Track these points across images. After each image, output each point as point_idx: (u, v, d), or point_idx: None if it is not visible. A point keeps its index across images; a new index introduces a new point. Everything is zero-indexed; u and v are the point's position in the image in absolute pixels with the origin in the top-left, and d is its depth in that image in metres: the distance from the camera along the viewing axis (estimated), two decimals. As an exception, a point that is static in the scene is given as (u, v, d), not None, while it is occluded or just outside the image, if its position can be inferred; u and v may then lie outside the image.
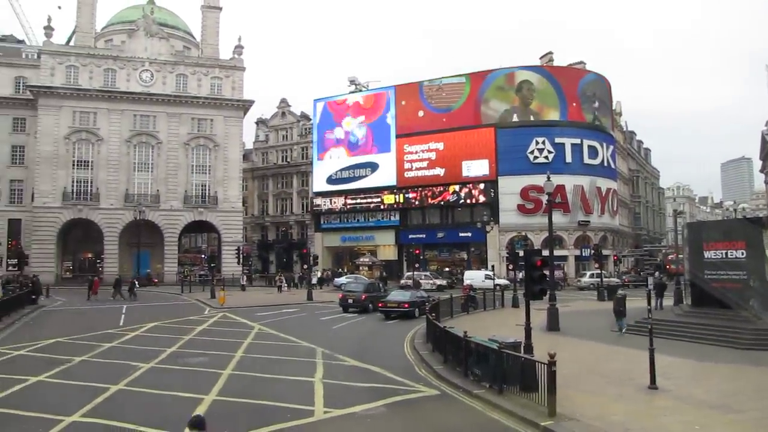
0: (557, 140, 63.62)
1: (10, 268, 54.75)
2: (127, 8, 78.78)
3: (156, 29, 68.13)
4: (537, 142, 63.21)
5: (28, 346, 22.89)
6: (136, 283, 47.69)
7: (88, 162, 64.64)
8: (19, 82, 67.21)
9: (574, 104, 65.49)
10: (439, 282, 56.50)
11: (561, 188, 58.13)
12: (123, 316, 33.51)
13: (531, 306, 18.15)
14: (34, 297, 39.94)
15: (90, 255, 68.55)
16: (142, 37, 67.38)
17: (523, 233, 62.61)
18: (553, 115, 65.01)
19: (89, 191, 64.22)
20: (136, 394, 15.38)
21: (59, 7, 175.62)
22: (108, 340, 24.00)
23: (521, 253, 24.07)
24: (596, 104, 67.69)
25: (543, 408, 12.95)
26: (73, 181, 63.90)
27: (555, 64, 70.14)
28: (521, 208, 63.11)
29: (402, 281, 55.71)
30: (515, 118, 65.35)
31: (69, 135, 63.95)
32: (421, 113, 69.94)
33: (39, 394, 15.51)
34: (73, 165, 64.17)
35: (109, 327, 28.25)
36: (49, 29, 65.17)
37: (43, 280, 48.32)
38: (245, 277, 60.63)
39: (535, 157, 63.09)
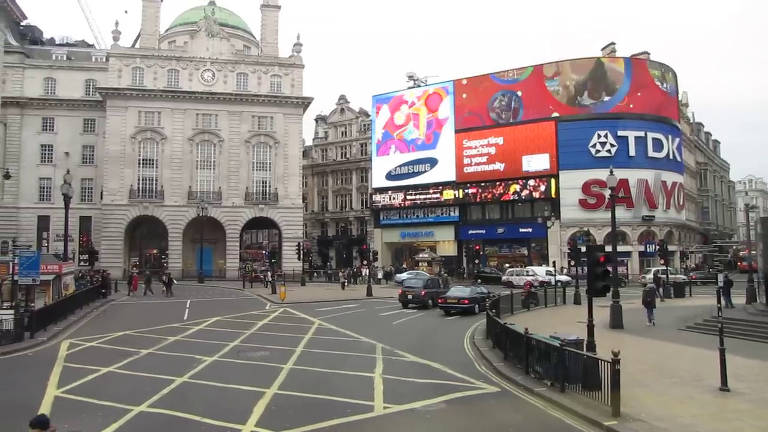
0: (620, 133, 61.97)
1: (82, 263, 56.72)
2: (189, 10, 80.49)
3: (217, 29, 69.41)
4: (599, 136, 61.73)
5: (98, 338, 23.74)
6: (174, 280, 47.56)
7: (153, 160, 66.43)
8: (89, 85, 69.57)
9: (639, 94, 63.64)
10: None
11: (624, 182, 56.65)
12: (187, 310, 34.32)
13: (594, 303, 17.73)
14: (104, 291, 41.35)
15: (155, 251, 70.45)
16: (204, 37, 68.77)
17: (585, 228, 61.33)
18: (616, 108, 63.27)
19: (154, 189, 66.00)
20: (199, 386, 15.71)
21: (126, 12, 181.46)
22: (173, 334, 24.65)
23: (583, 249, 23.62)
24: (659, 96, 65.62)
25: (606, 407, 12.66)
26: (139, 179, 65.77)
27: (617, 55, 68.25)
28: (583, 203, 61.82)
29: (505, 277, 54.13)
30: (577, 112, 63.91)
31: (135, 134, 65.85)
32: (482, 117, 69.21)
33: (109, 384, 16.05)
34: (139, 163, 66.04)
35: (173, 321, 29.02)
36: (116, 33, 67.26)
37: (111, 275, 49.92)
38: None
39: (597, 151, 61.65)
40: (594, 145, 61.64)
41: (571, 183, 61.78)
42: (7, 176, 53.13)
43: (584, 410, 12.95)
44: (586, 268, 17.88)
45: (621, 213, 54.69)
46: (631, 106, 63.13)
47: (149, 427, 12.43)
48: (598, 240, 57.68)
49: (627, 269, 59.20)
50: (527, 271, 52.62)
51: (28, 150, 67.80)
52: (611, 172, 27.65)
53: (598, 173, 56.77)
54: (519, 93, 67.18)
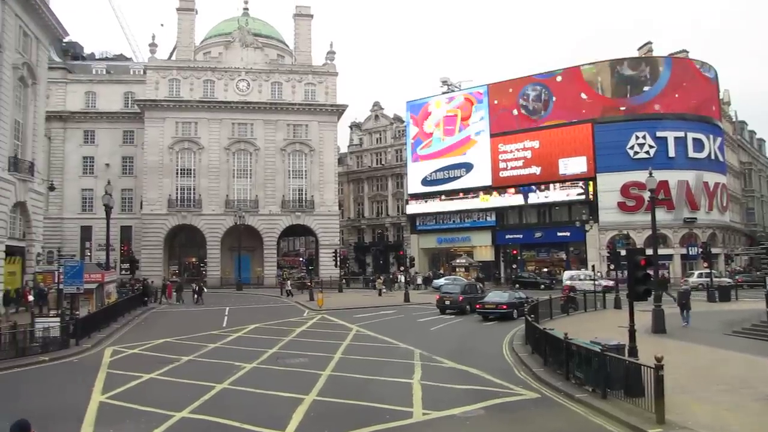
0: (659, 134, 60.84)
1: (123, 272, 57.77)
2: (223, 21, 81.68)
3: (251, 40, 70.24)
4: (637, 137, 60.70)
5: (140, 345, 24.10)
6: (204, 288, 48.02)
7: (190, 170, 67.45)
8: (128, 97, 71.04)
9: (677, 95, 62.48)
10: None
11: (664, 184, 55.62)
12: (226, 317, 34.67)
13: (635, 307, 17.37)
14: (145, 299, 42.05)
15: (194, 259, 71.44)
16: (238, 48, 69.64)
17: (625, 232, 60.25)
18: (654, 108, 62.19)
19: (192, 198, 66.97)
20: (239, 393, 15.82)
21: (162, 25, 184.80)
22: (212, 341, 24.89)
23: (623, 253, 23.26)
24: (699, 95, 64.29)
25: (650, 414, 12.35)
26: (177, 189, 66.83)
27: (655, 54, 67.12)
28: (622, 206, 60.84)
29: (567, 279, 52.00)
30: (613, 104, 62.96)
31: (172, 145, 66.96)
32: (515, 112, 68.77)
33: (151, 391, 16.28)
34: (177, 173, 67.10)
35: (213, 328, 29.32)
36: (153, 46, 68.65)
37: (154, 283, 50.80)
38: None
39: (636, 153, 60.64)
40: (632, 147, 60.65)
41: (609, 186, 60.86)
42: (51, 188, 54.43)
43: (627, 417, 12.66)
44: (626, 272, 17.53)
45: (661, 215, 53.62)
46: (670, 105, 61.92)
47: (191, 434, 12.55)
48: (638, 243, 56.61)
49: (669, 272, 58.03)
50: (586, 275, 50.70)
51: (70, 162, 69.52)
52: (650, 173, 27.12)
53: (636, 175, 55.94)
54: (548, 86, 66.77)
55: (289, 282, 53.70)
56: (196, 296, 44.99)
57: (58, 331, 22.91)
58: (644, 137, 60.61)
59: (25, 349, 21.60)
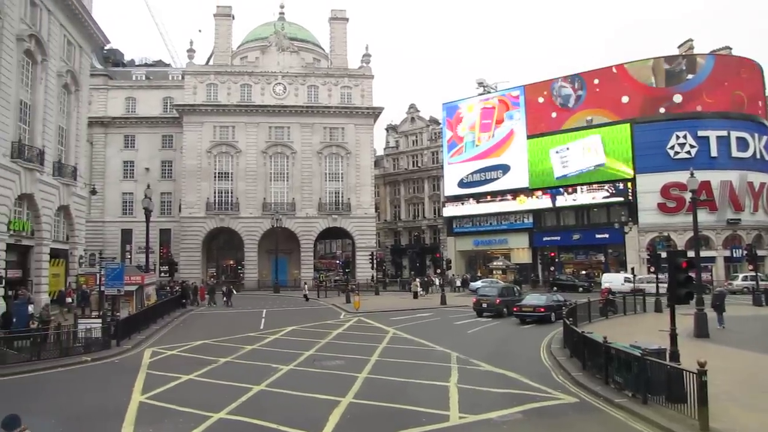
0: (700, 133, 59.49)
1: (162, 274, 58.61)
2: (259, 26, 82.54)
3: (287, 44, 70.82)
4: (677, 137, 59.47)
5: (179, 347, 24.40)
6: (234, 291, 48.20)
7: (228, 173, 68.25)
8: (167, 102, 72.29)
9: (719, 93, 61.05)
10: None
11: (706, 185, 54.43)
12: (263, 320, 34.88)
13: (676, 311, 16.98)
14: (183, 301, 42.60)
15: (232, 262, 72.24)
16: (275, 52, 70.27)
17: (665, 233, 59.12)
18: (695, 107, 60.88)
19: (230, 201, 67.73)
20: (276, 394, 15.88)
21: (200, 31, 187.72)
22: (250, 343, 25.07)
23: (664, 255, 22.82)
24: (744, 92, 62.69)
25: (693, 421, 12.05)
26: (215, 192, 67.70)
27: (695, 51, 65.71)
28: (662, 207, 59.67)
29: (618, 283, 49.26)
30: (653, 112, 61.84)
31: (210, 149, 67.83)
32: (554, 114, 68.11)
33: (190, 391, 16.45)
34: (215, 177, 67.97)
35: (250, 330, 29.52)
36: (191, 52, 69.64)
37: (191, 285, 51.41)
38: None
39: (676, 153, 59.42)
40: (672, 147, 59.44)
41: (649, 186, 59.74)
42: (93, 192, 55.65)
43: (669, 423, 12.38)
44: (667, 275, 17.15)
45: (703, 216, 52.36)
46: (712, 104, 60.50)
47: (228, 435, 12.63)
48: (679, 245, 55.45)
49: (711, 275, 56.68)
50: (628, 278, 49.11)
51: (111, 167, 70.96)
52: (692, 174, 26.51)
53: (677, 176, 55.01)
54: (585, 81, 66.15)
55: (306, 286, 53.21)
56: (225, 298, 45.38)
57: (99, 332, 23.35)
58: (685, 137, 59.36)
59: (69, 349, 22.06)
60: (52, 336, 22.47)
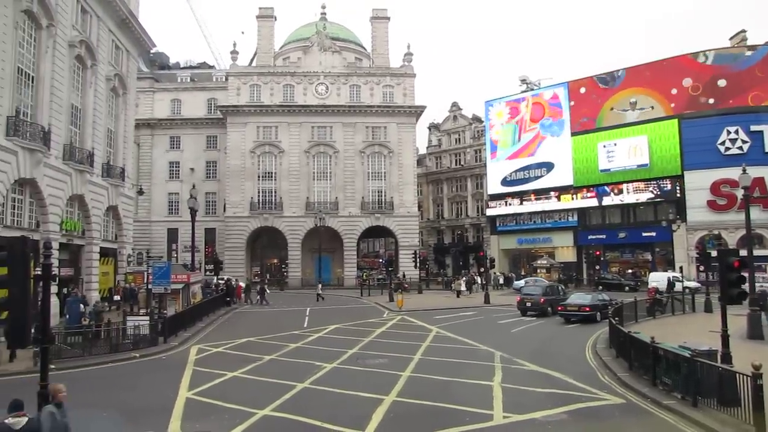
0: (753, 128, 57.52)
1: (208, 272, 59.57)
2: (301, 27, 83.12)
3: (329, 44, 71.18)
4: (728, 132, 57.73)
5: (224, 344, 24.75)
6: (267, 289, 48.26)
7: (271, 173, 68.94)
8: (211, 104, 73.32)
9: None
10: None
11: (759, 181, 52.76)
12: (307, 318, 35.14)
13: (728, 311, 16.50)
14: (228, 299, 43.18)
15: (275, 260, 72.93)
16: (316, 52, 70.69)
17: (716, 231, 57.51)
18: (747, 101, 59.06)
19: (273, 201, 68.41)
20: (320, 392, 15.96)
21: (242, 33, 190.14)
22: (294, 341, 25.27)
23: (714, 254, 22.18)
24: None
25: (748, 426, 11.63)
26: (258, 192, 68.47)
27: (749, 43, 63.60)
28: (712, 205, 58.07)
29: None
30: (702, 107, 60.26)
31: (254, 149, 68.61)
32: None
33: (235, 388, 16.67)
34: (258, 177, 68.73)
35: (294, 328, 29.77)
36: (234, 53, 70.61)
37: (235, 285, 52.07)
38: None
39: (727, 149, 57.70)
40: (723, 143, 57.76)
41: (698, 183, 58.22)
42: (141, 192, 56.83)
43: (721, 428, 12.02)
44: (717, 274, 16.68)
45: (756, 214, 50.65)
46: (766, 97, 58.45)
47: (272, 431, 12.75)
48: (731, 243, 53.87)
49: (766, 275, 54.90)
50: (676, 277, 47.35)
51: (158, 167, 72.36)
52: (744, 170, 25.66)
53: (728, 172, 53.39)
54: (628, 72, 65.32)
55: (320, 286, 51.86)
56: (258, 297, 45.77)
57: (147, 329, 23.84)
58: (737, 132, 57.57)
59: (118, 345, 22.63)
60: (103, 333, 23.04)
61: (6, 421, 7.87)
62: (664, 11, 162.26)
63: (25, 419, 7.94)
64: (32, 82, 29.32)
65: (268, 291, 47.93)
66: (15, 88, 27.62)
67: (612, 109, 65.87)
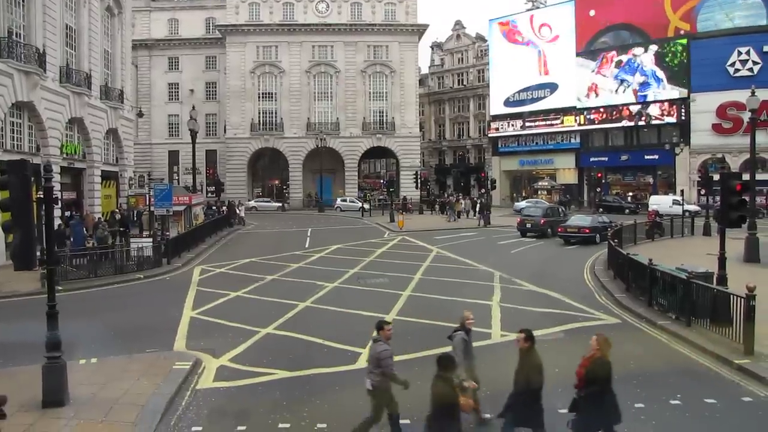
0: (766, 49, 55.69)
1: (209, 194, 59.79)
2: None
3: (329, -41, 68.96)
4: (739, 53, 55.86)
5: (227, 265, 25.14)
6: (238, 209, 46.56)
7: (272, 94, 68.10)
8: (209, 23, 71.51)
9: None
10: None
11: (767, 104, 52.02)
12: (308, 238, 35.47)
13: (726, 234, 16.63)
14: (230, 220, 43.52)
15: (277, 181, 73.00)
16: (317, -33, 68.59)
17: (719, 155, 56.70)
18: (761, 20, 57.22)
19: (274, 121, 67.87)
20: (321, 311, 16.36)
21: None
22: (295, 261, 25.63)
23: (716, 177, 22.11)
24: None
25: (737, 345, 12.02)
26: (259, 113, 67.84)
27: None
28: (717, 128, 57.13)
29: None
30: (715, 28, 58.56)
31: (254, 69, 67.53)
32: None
33: (238, 307, 17.08)
34: (259, 97, 67.95)
35: (296, 249, 30.12)
36: (233, -31, 68.40)
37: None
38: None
39: (737, 70, 56.07)
40: (733, 64, 56.11)
41: (704, 106, 57.11)
42: (140, 115, 56.32)
43: (712, 347, 12.38)
44: (718, 198, 16.69)
45: (762, 138, 49.77)
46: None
47: (275, 348, 13.13)
48: (734, 167, 52.97)
49: (766, 199, 54.81)
50: (677, 200, 47.30)
51: (157, 89, 71.41)
52: (753, 92, 25.19)
53: (736, 95, 51.98)
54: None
55: (243, 209, 48.78)
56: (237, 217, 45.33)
57: (151, 251, 24.14)
58: (748, 53, 55.74)
59: (123, 267, 22.95)
60: (108, 254, 23.35)
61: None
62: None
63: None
64: (23, 1, 28.52)
65: (239, 210, 46.46)
66: (5, 7, 26.87)
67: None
